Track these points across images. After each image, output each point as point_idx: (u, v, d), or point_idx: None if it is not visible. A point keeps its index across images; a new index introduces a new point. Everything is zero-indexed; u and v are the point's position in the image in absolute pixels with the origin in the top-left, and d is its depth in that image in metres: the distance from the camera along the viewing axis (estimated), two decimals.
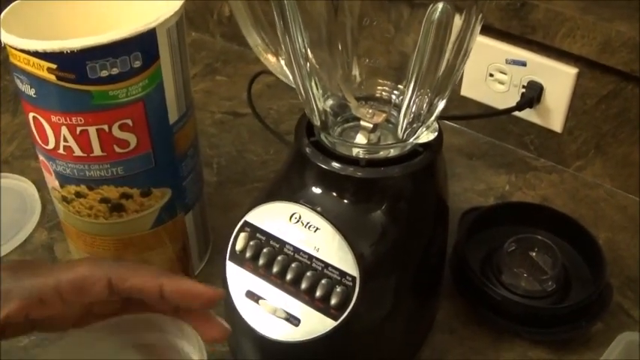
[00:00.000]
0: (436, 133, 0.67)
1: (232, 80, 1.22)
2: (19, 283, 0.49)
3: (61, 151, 0.67)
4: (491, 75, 1.02)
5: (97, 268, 0.51)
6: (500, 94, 1.02)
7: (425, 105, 0.64)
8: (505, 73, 1.00)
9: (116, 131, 0.66)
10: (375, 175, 0.64)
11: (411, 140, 0.66)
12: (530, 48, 0.97)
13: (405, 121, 0.64)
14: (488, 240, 0.84)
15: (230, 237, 0.69)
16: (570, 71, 0.95)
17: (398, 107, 0.67)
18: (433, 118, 0.66)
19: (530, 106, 0.99)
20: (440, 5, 0.54)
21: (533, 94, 0.98)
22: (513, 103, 1.00)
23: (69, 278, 0.50)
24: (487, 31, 0.98)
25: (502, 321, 0.77)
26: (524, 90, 0.99)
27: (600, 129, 0.97)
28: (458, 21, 0.58)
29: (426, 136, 0.66)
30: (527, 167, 1.04)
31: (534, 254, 0.81)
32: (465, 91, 1.06)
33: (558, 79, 0.96)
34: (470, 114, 1.07)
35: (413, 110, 0.63)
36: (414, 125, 0.65)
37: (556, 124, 1.00)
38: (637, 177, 0.97)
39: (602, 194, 0.99)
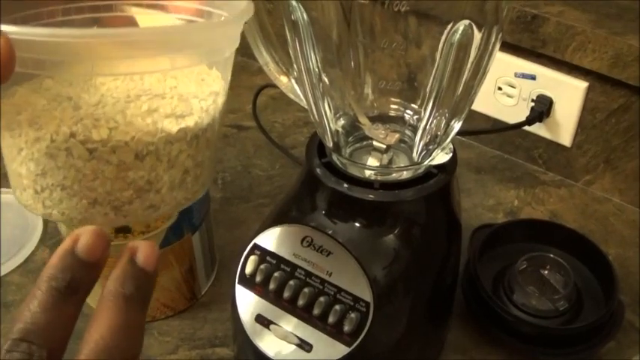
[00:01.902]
0: (451, 154, 0.66)
1: (235, 92, 1.20)
2: None
3: None
4: (500, 88, 1.00)
5: None
6: (509, 108, 1.01)
7: (442, 126, 0.62)
8: (514, 87, 0.99)
9: None
10: (389, 198, 0.63)
11: (425, 162, 0.65)
12: (540, 62, 0.96)
13: (422, 143, 0.63)
14: (500, 258, 0.83)
15: (238, 258, 0.68)
16: (580, 85, 0.94)
17: (412, 127, 0.66)
18: (449, 139, 0.65)
19: (540, 120, 0.98)
20: (461, 27, 0.53)
21: (542, 108, 0.97)
22: (522, 117, 0.99)
23: None
24: None
25: (514, 341, 0.76)
26: (533, 104, 0.98)
27: (610, 143, 0.96)
28: (476, 40, 0.57)
29: (440, 157, 0.65)
30: (536, 181, 1.03)
31: (546, 273, 0.80)
32: (474, 105, 1.03)
33: (568, 93, 0.95)
34: (479, 129, 1.06)
35: (430, 132, 0.62)
36: (430, 147, 0.64)
37: (565, 138, 0.99)
38: None
39: (611, 209, 0.98)
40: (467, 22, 0.54)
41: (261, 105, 1.12)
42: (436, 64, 0.57)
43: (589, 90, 0.94)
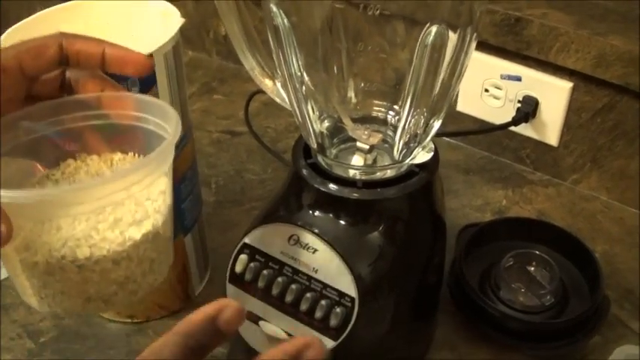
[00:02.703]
0: (432, 153, 0.68)
1: (229, 99, 1.22)
2: None
3: None
4: (486, 90, 1.02)
5: (49, 37, 0.55)
6: (496, 109, 1.02)
7: (421, 125, 0.64)
8: (500, 89, 1.01)
9: None
10: (372, 196, 0.65)
11: (407, 161, 0.67)
12: (525, 63, 0.97)
13: (402, 141, 0.65)
14: (486, 256, 0.85)
15: (229, 258, 0.69)
16: (565, 85, 0.95)
17: (394, 128, 0.68)
18: (429, 138, 0.67)
19: (526, 121, 1.00)
20: (434, 29, 0.55)
21: (528, 109, 0.99)
22: (509, 118, 1.00)
23: (27, 47, 0.54)
24: (482, 46, 0.99)
25: (501, 336, 0.78)
26: (519, 105, 1.00)
27: (596, 142, 0.98)
28: (453, 39, 0.59)
29: (422, 156, 0.67)
30: (524, 181, 1.04)
31: (532, 269, 0.82)
32: (461, 107, 1.06)
33: (553, 94, 0.97)
34: (466, 130, 1.08)
35: (409, 131, 0.64)
36: (410, 145, 0.66)
37: (552, 138, 1.01)
38: (633, 189, 0.98)
39: (598, 207, 1.00)
40: (440, 24, 0.56)
41: (253, 111, 1.14)
42: (412, 65, 0.59)
43: (574, 90, 0.95)
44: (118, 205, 0.51)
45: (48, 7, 0.73)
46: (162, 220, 0.54)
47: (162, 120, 0.55)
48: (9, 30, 0.71)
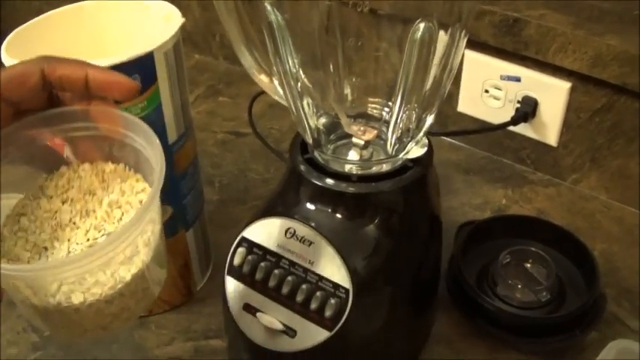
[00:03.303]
0: (426, 148, 0.69)
1: (235, 101, 1.24)
2: None
3: None
4: (486, 91, 1.03)
5: (31, 64, 0.55)
6: (496, 110, 1.04)
7: (413, 120, 0.66)
8: (500, 89, 1.02)
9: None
10: (367, 190, 0.66)
11: (400, 155, 0.68)
12: (524, 64, 0.99)
13: (394, 136, 0.66)
14: (484, 253, 0.86)
15: (228, 251, 0.71)
16: (564, 86, 0.97)
17: (387, 123, 0.69)
18: (422, 133, 0.68)
19: (525, 121, 1.01)
20: (421, 25, 0.56)
21: (527, 109, 1.00)
22: (509, 119, 1.02)
23: (10, 75, 0.54)
24: (481, 47, 1.00)
25: (498, 332, 0.79)
26: (519, 105, 1.01)
27: (595, 142, 0.99)
28: (444, 37, 0.60)
29: (415, 151, 0.68)
30: (524, 181, 1.05)
31: (529, 266, 0.83)
32: (462, 108, 1.07)
33: (552, 94, 0.98)
34: (465, 129, 1.09)
35: (401, 126, 0.65)
36: (404, 140, 0.67)
37: (551, 138, 1.02)
38: (633, 188, 0.98)
39: (598, 206, 1.01)
40: (428, 20, 0.57)
41: (258, 112, 1.15)
42: (403, 61, 0.60)
43: (572, 90, 0.97)
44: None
45: (54, 7, 0.75)
46: (152, 254, 0.55)
47: (147, 144, 0.56)
48: (17, 30, 0.72)
